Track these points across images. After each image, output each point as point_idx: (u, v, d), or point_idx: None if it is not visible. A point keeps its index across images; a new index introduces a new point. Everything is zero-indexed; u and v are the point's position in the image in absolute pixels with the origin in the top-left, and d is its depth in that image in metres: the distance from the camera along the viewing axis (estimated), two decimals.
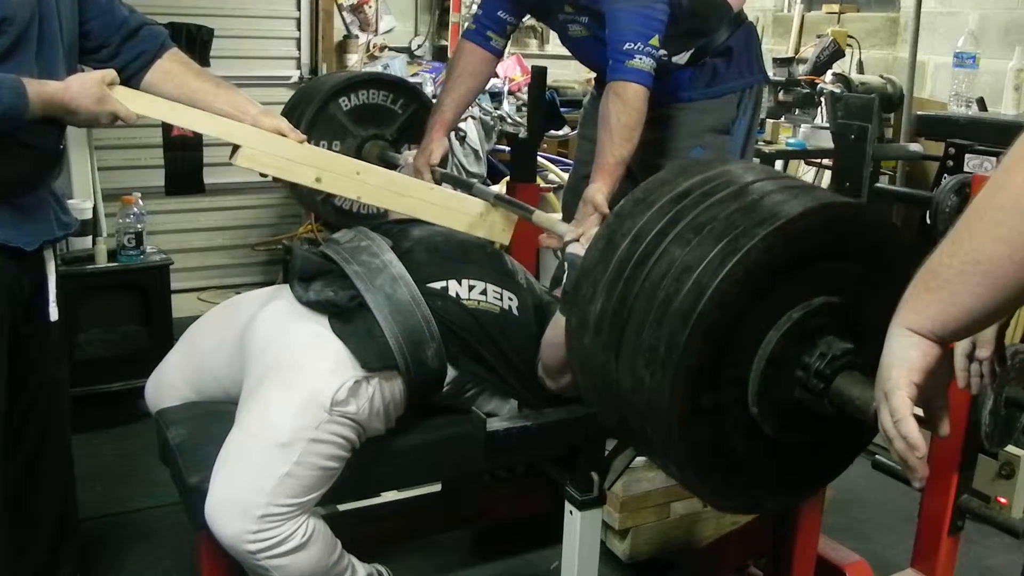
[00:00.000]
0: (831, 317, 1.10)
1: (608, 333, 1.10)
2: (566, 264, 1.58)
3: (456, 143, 3.92)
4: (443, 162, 2.21)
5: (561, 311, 1.54)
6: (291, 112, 2.32)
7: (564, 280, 1.58)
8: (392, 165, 2.21)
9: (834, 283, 1.10)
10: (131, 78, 1.79)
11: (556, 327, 1.57)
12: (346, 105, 2.27)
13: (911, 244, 1.17)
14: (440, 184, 2.09)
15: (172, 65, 1.83)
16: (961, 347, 1.13)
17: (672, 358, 1.02)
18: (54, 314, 1.76)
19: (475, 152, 4.00)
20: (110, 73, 1.63)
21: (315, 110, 2.21)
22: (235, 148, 1.75)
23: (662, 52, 1.97)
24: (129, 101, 1.64)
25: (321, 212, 2.38)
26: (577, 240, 1.66)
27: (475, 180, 3.93)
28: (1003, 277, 0.79)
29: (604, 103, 1.93)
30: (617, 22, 1.93)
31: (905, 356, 0.88)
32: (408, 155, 2.23)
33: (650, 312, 1.05)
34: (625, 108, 1.89)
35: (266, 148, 1.77)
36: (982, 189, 0.82)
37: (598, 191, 1.86)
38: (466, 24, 4.51)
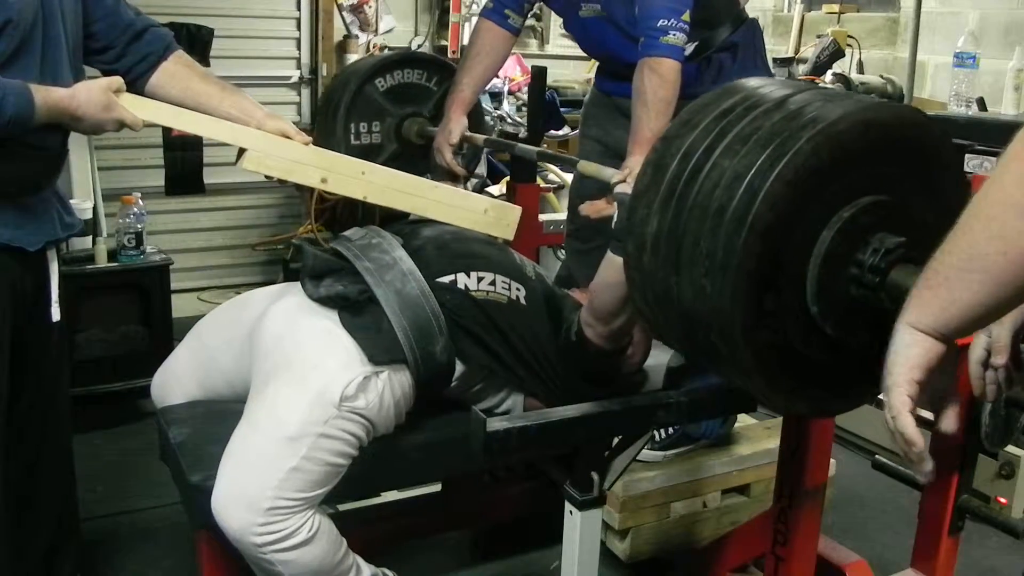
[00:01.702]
0: (880, 215, 1.13)
1: (666, 249, 1.13)
2: (616, 204, 1.58)
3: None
4: (466, 139, 2.22)
5: (612, 250, 1.55)
6: (328, 98, 2.40)
7: (615, 219, 1.57)
8: (432, 139, 2.26)
9: (880, 182, 1.13)
10: (136, 80, 1.79)
11: (610, 268, 1.56)
12: (382, 86, 2.33)
13: (950, 143, 1.21)
14: (481, 150, 2.10)
15: (177, 68, 1.83)
16: (976, 355, 1.13)
17: (732, 262, 1.05)
18: (56, 315, 1.76)
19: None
20: (116, 80, 1.63)
21: (352, 93, 2.27)
22: (241, 152, 1.76)
23: (689, 30, 1.98)
24: (135, 108, 1.65)
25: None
26: (624, 180, 1.66)
27: (472, 180, 3.94)
28: (998, 274, 0.80)
29: (639, 78, 1.94)
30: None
31: (906, 354, 0.89)
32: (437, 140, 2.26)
33: (705, 222, 1.08)
34: (662, 82, 1.90)
35: (272, 151, 1.77)
36: (980, 187, 0.83)
37: (637, 162, 1.87)
38: (470, 20, 4.56)
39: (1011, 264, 0.79)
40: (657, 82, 1.91)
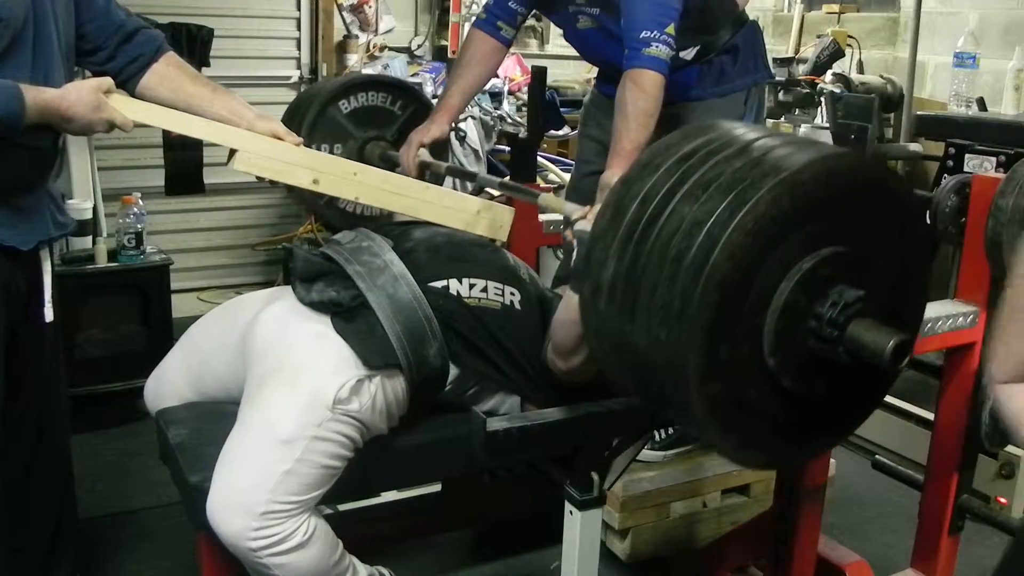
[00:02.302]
0: (840, 266, 1.12)
1: (622, 295, 1.11)
2: (575, 241, 1.58)
3: (456, 143, 3.92)
4: (447, 147, 2.21)
5: (572, 288, 1.55)
6: (291, 117, 2.33)
7: (574, 256, 1.57)
8: (394, 164, 2.22)
9: (841, 233, 1.12)
10: (127, 81, 1.79)
11: (568, 305, 1.57)
12: (346, 108, 2.28)
13: (913, 192, 1.20)
14: (445, 175, 2.10)
15: (168, 69, 1.83)
16: None
17: (687, 312, 1.04)
18: (50, 315, 1.76)
19: (475, 152, 4.00)
20: (106, 81, 1.63)
21: (315, 114, 2.22)
22: (232, 153, 1.76)
23: (674, 43, 1.98)
24: (126, 108, 1.64)
25: (325, 215, 2.39)
26: (584, 217, 1.66)
27: (476, 174, 3.93)
28: None
29: (621, 91, 1.94)
30: (633, 11, 1.94)
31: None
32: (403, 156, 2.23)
33: (663, 269, 1.06)
34: (642, 94, 1.90)
35: (263, 152, 1.77)
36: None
37: (615, 175, 1.86)
38: (470, 20, 4.56)
39: None
40: (637, 94, 1.90)
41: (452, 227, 1.92)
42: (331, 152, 2.24)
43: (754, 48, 2.28)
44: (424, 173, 2.16)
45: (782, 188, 1.04)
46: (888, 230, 1.15)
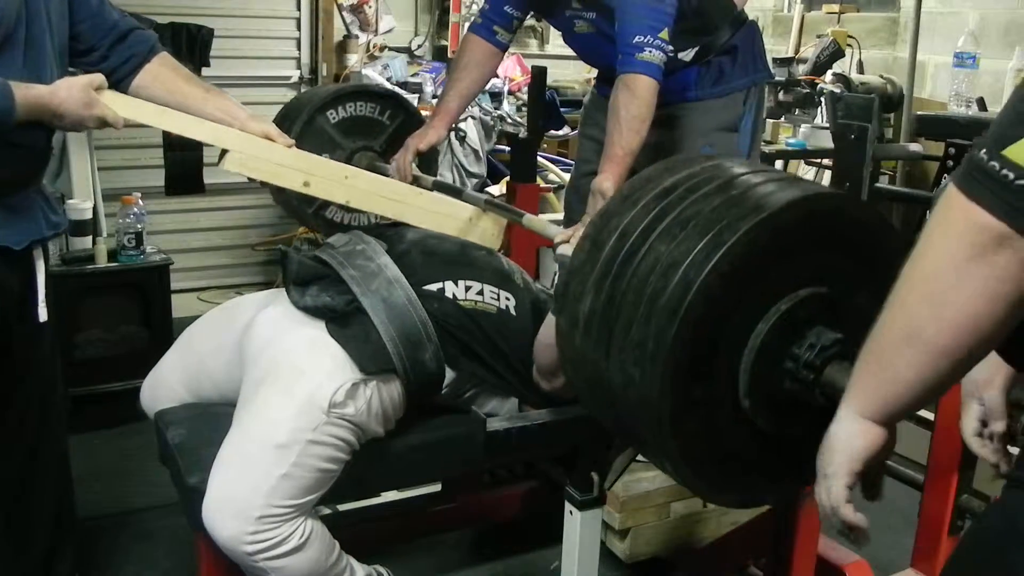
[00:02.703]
0: (819, 308, 1.10)
1: (598, 332, 1.10)
2: (557, 265, 1.58)
3: (456, 143, 3.92)
4: (437, 155, 2.21)
5: (552, 312, 1.55)
6: (279, 126, 2.30)
7: (555, 281, 1.57)
8: (382, 175, 2.20)
9: (821, 274, 1.11)
10: (120, 81, 1.79)
11: (549, 327, 1.57)
12: (334, 118, 2.27)
13: (895, 232, 1.18)
14: (432, 190, 2.09)
15: (161, 69, 1.83)
16: (971, 427, 1.09)
17: (661, 353, 1.03)
18: (43, 315, 1.76)
19: (475, 152, 4.00)
20: (98, 78, 1.64)
21: (303, 124, 2.21)
22: (223, 153, 1.75)
23: (669, 48, 1.98)
24: (117, 106, 1.65)
25: (312, 224, 2.38)
26: (567, 241, 1.66)
27: (472, 180, 3.93)
28: (936, 343, 0.80)
29: (614, 95, 1.94)
30: (627, 16, 1.94)
31: (851, 444, 0.89)
32: (395, 164, 2.23)
33: (638, 309, 1.05)
34: (635, 99, 1.90)
35: (254, 152, 1.77)
36: (909, 258, 0.82)
37: (606, 180, 1.86)
38: (470, 20, 4.56)
39: (946, 330, 0.79)
40: (630, 99, 1.90)
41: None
42: None
43: (753, 48, 2.28)
44: (415, 181, 2.16)
45: (760, 229, 1.03)
46: (869, 270, 1.12)
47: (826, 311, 1.10)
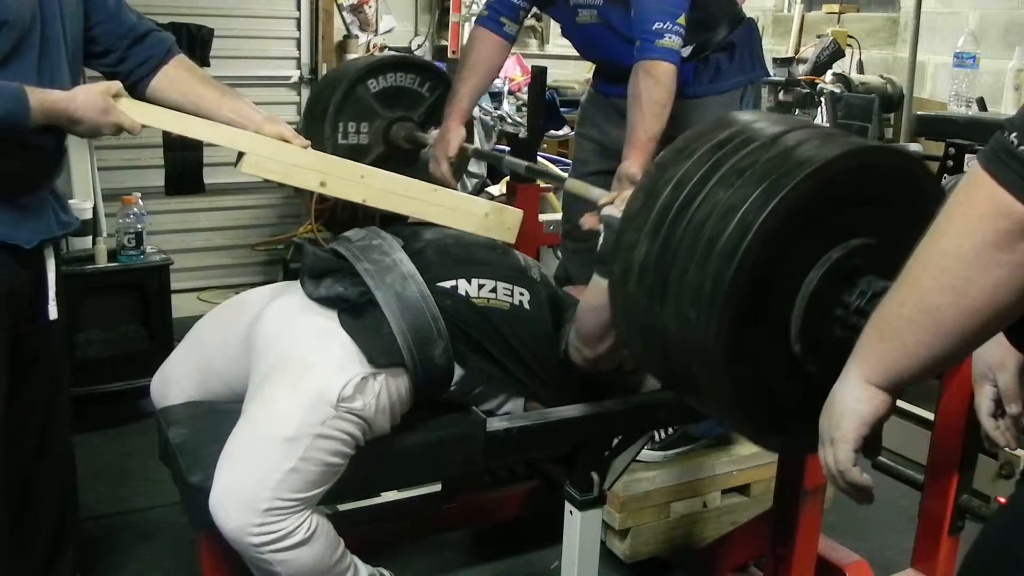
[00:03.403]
0: (869, 258, 1.13)
1: (653, 277, 1.13)
2: (602, 226, 1.58)
3: None
4: (461, 151, 2.22)
5: (599, 273, 1.55)
6: (318, 96, 2.38)
7: (600, 242, 1.57)
8: (420, 144, 2.26)
9: (871, 225, 1.14)
10: (137, 83, 1.80)
11: (595, 291, 1.57)
12: (374, 87, 2.32)
13: (942, 189, 1.20)
14: (469, 159, 2.09)
15: (178, 72, 1.84)
16: (986, 407, 1.10)
17: (718, 295, 1.05)
18: (53, 313, 1.77)
19: (475, 152, 4.00)
20: (115, 85, 1.65)
21: (343, 92, 2.26)
22: (240, 155, 1.76)
23: (684, 33, 1.99)
24: (134, 112, 1.65)
25: None
26: (611, 203, 1.66)
27: (472, 180, 3.93)
28: (951, 325, 0.80)
29: (634, 82, 1.94)
30: (644, 2, 1.95)
31: (857, 410, 0.91)
32: (435, 134, 2.27)
33: (695, 253, 1.08)
34: (656, 85, 1.91)
35: (270, 154, 1.78)
36: (926, 235, 0.82)
37: (631, 166, 1.88)
38: (470, 20, 4.56)
39: (962, 313, 0.79)
40: (651, 85, 1.91)
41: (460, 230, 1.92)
42: (358, 131, 2.29)
43: (751, 46, 2.28)
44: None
45: (815, 177, 1.06)
46: (917, 223, 1.16)
47: (875, 261, 1.13)
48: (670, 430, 2.21)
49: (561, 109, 4.16)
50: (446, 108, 2.25)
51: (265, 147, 1.78)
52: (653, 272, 1.12)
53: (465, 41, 4.58)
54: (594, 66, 2.51)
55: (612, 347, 1.61)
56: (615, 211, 1.56)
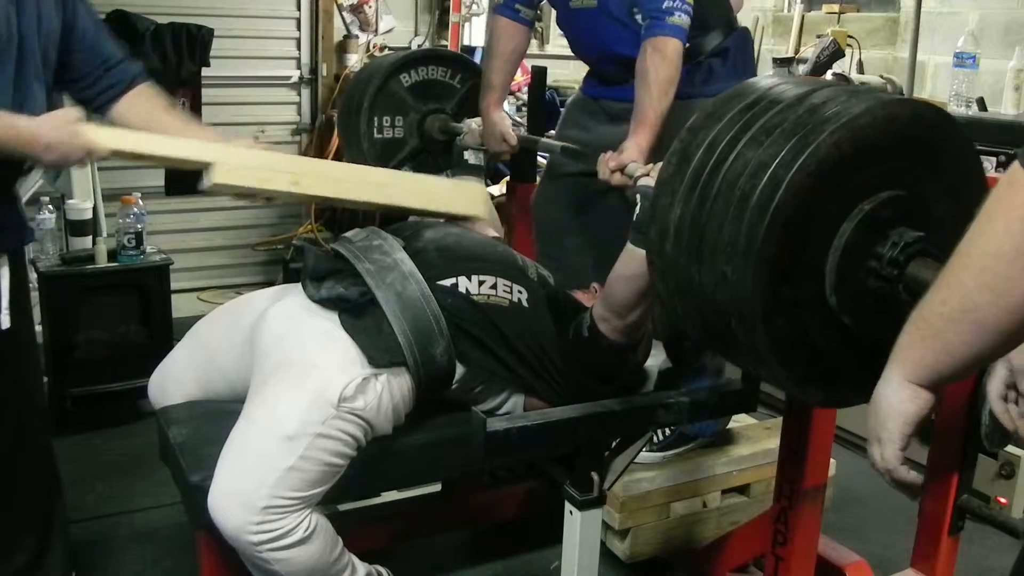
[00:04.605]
0: (900, 209, 1.15)
1: (689, 237, 1.16)
2: (639, 197, 1.61)
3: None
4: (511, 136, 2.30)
5: (633, 242, 1.58)
6: (352, 93, 2.46)
7: (637, 212, 1.59)
8: (455, 134, 2.32)
9: (900, 178, 1.16)
10: (101, 108, 1.80)
11: (629, 260, 1.58)
12: (407, 81, 2.41)
13: (968, 141, 1.24)
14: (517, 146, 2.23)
15: (141, 99, 1.84)
16: (997, 390, 1.10)
17: (753, 249, 1.08)
18: (6, 322, 1.75)
19: (475, 152, 4.00)
20: (76, 111, 1.64)
21: (377, 86, 2.35)
22: (202, 173, 1.70)
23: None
24: (100, 136, 1.63)
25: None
26: (647, 174, 1.69)
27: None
28: (993, 324, 0.82)
29: (642, 60, 1.97)
30: None
31: (902, 410, 0.92)
32: (472, 122, 2.32)
33: (728, 210, 1.11)
34: (664, 62, 1.94)
35: (241, 161, 1.74)
36: (966, 234, 0.83)
37: (638, 143, 1.91)
38: (470, 20, 4.56)
39: (1004, 312, 0.80)
40: (660, 62, 1.94)
41: (430, 210, 1.92)
42: (392, 125, 2.40)
43: (744, 52, 2.29)
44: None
45: (843, 132, 1.08)
46: (946, 176, 1.19)
47: (906, 213, 1.16)
48: (667, 431, 2.21)
49: (561, 109, 4.15)
50: (482, 101, 2.31)
51: (234, 155, 1.74)
52: (689, 232, 1.17)
53: (468, 36, 4.59)
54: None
55: (641, 316, 1.63)
56: (650, 181, 1.60)
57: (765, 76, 1.28)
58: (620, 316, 1.64)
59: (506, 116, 2.29)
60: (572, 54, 2.42)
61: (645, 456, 2.17)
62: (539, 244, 2.49)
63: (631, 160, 1.84)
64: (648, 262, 1.27)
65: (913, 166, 1.16)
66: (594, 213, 2.30)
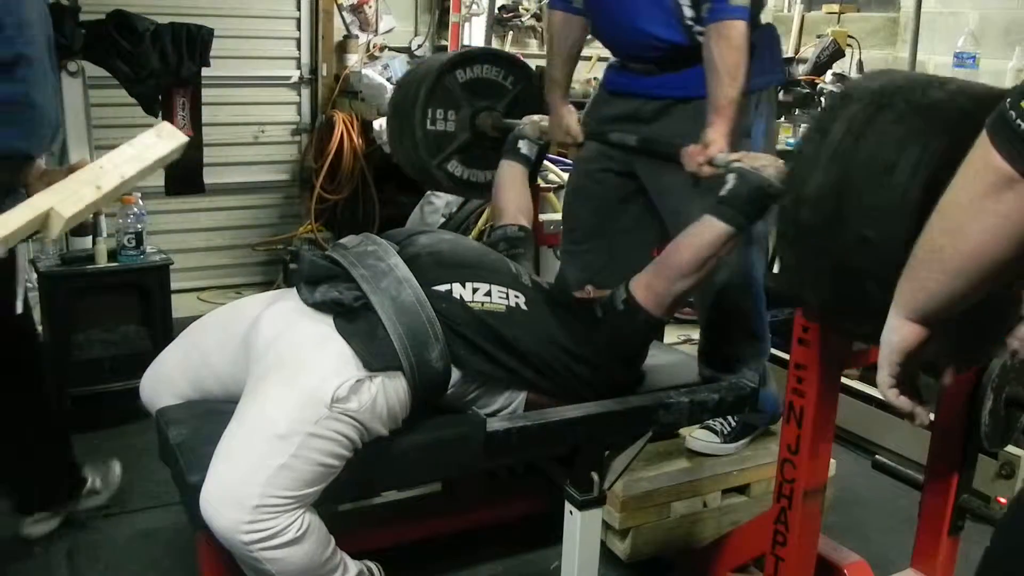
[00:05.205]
0: None
1: (830, 204, 1.25)
2: (732, 176, 1.69)
3: None
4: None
5: (717, 214, 1.67)
6: (407, 86, 2.55)
7: (729, 186, 1.68)
8: (507, 130, 2.37)
9: None
10: None
11: (704, 229, 1.67)
12: (462, 78, 2.48)
13: None
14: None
15: None
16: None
17: (899, 213, 1.16)
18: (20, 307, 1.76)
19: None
20: None
21: (433, 80, 2.42)
22: (47, 220, 1.58)
23: (697, 29, 2.00)
24: None
25: (437, 178, 2.57)
26: (739, 160, 1.73)
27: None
28: (953, 265, 0.92)
29: (707, 46, 1.96)
30: None
31: (887, 339, 1.05)
32: (530, 118, 2.34)
33: (872, 179, 1.21)
34: (729, 48, 1.93)
35: (69, 191, 1.63)
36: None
37: (715, 130, 1.91)
38: (470, 20, 4.55)
39: (960, 255, 0.91)
40: (725, 48, 1.93)
41: (154, 163, 1.83)
42: (445, 119, 2.50)
43: (771, 49, 2.24)
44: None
45: (979, 107, 1.13)
46: None
47: None
48: (732, 422, 2.25)
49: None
50: (548, 96, 2.32)
51: (61, 189, 1.63)
52: (829, 200, 1.25)
53: (468, 37, 4.58)
54: (595, 64, 2.51)
55: (690, 288, 1.72)
56: (744, 164, 1.70)
57: (889, 69, 1.39)
58: (670, 282, 1.70)
59: (573, 110, 2.29)
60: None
61: (719, 448, 2.25)
62: (563, 234, 2.52)
63: (718, 151, 1.86)
64: (778, 229, 1.36)
65: None
66: (617, 217, 2.30)
